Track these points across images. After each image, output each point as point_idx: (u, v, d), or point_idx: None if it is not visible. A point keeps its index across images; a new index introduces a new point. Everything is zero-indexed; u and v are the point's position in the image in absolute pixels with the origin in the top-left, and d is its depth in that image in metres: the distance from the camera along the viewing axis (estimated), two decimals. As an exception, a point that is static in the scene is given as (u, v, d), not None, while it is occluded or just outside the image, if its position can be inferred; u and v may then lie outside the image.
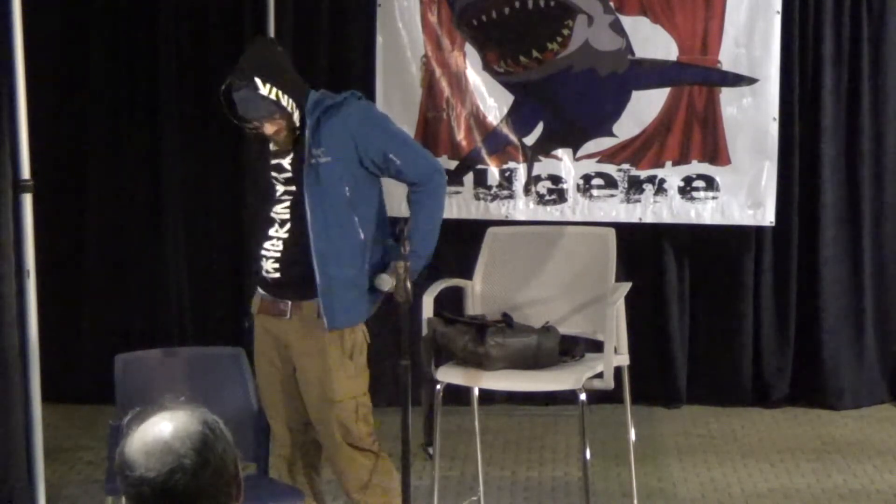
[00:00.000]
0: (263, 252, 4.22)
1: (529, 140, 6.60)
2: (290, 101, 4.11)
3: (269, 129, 4.13)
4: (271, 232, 4.20)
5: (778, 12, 6.45)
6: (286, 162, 4.20)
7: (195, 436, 2.02)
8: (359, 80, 6.55)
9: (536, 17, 6.55)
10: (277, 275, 4.19)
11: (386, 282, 4.11)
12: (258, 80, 4.06)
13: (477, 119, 6.60)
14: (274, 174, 4.22)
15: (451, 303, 5.08)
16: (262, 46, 4.33)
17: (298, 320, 4.21)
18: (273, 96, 4.07)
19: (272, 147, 4.22)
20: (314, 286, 4.13)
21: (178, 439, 2.01)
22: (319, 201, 4.12)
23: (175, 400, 2.09)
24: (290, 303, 4.21)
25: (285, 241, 4.17)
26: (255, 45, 4.35)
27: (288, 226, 4.18)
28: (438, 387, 4.65)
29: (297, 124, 4.16)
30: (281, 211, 4.19)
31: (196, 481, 1.99)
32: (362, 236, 4.17)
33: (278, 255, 4.18)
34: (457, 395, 5.22)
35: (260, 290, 4.34)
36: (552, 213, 6.55)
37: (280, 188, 4.21)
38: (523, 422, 6.47)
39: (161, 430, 2.03)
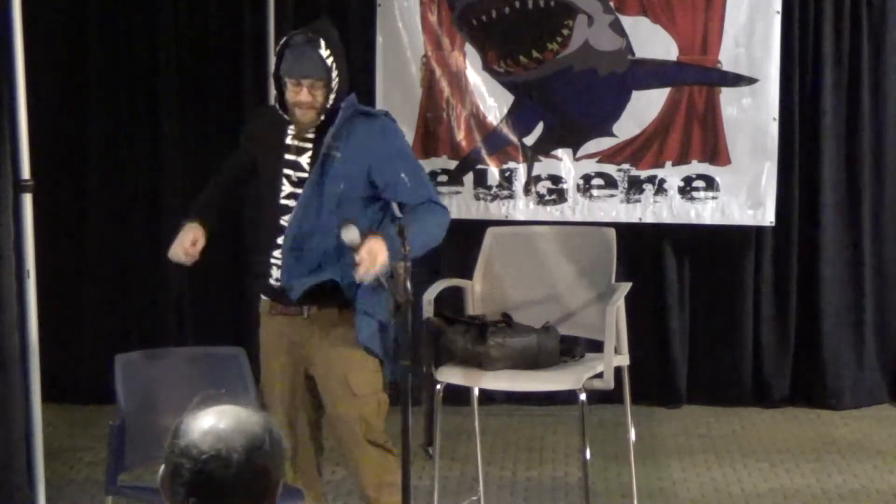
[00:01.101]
0: (273, 262, 4.17)
1: (529, 140, 6.60)
2: (338, 79, 4.11)
3: (306, 95, 4.08)
4: (280, 240, 4.15)
5: (778, 12, 6.46)
6: (304, 160, 4.16)
7: (252, 437, 2.03)
8: (359, 80, 6.54)
9: (536, 17, 6.56)
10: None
11: (350, 231, 3.98)
12: (322, 41, 4.09)
13: (477, 119, 6.60)
14: (287, 171, 4.15)
15: (451, 303, 5.08)
16: (332, 26, 4.31)
17: (318, 318, 4.19)
18: (329, 62, 4.08)
19: (289, 141, 4.17)
20: (330, 292, 4.12)
21: (237, 433, 2.02)
22: (319, 194, 4.10)
23: (254, 403, 2.11)
24: (305, 306, 4.18)
25: None
26: (324, 20, 4.37)
27: None
28: (438, 387, 4.65)
29: (329, 108, 4.12)
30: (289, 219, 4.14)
31: (233, 477, 2.00)
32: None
33: None
34: (457, 395, 5.22)
35: (265, 296, 4.28)
36: (552, 213, 6.56)
37: (287, 189, 4.15)
38: (523, 422, 6.47)
39: (226, 418, 2.04)
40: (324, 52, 4.10)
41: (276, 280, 4.18)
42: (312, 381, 4.28)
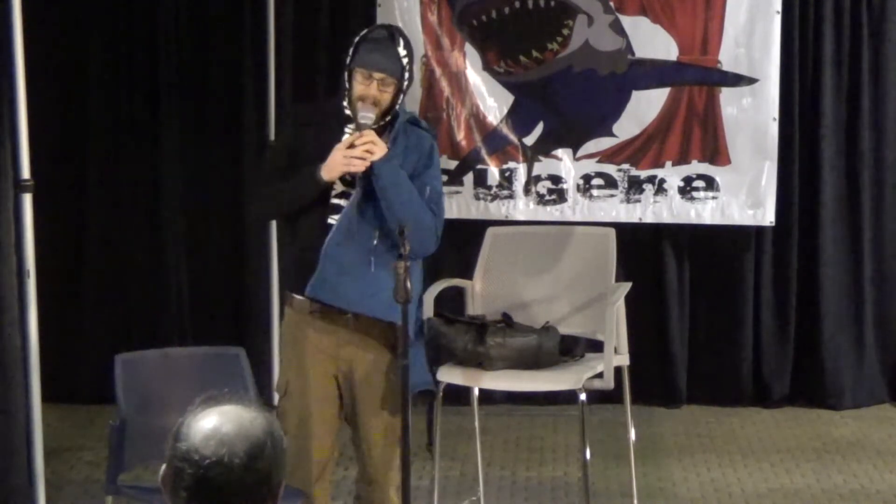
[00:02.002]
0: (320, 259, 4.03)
1: (529, 140, 6.60)
2: (406, 79, 4.05)
3: (375, 89, 3.98)
4: (329, 238, 4.03)
5: (778, 12, 6.46)
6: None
7: (254, 441, 2.02)
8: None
9: (536, 17, 6.56)
10: None
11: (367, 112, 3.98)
12: (402, 39, 4.03)
13: (477, 119, 6.60)
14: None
15: (451, 303, 5.08)
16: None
17: (362, 322, 4.11)
18: (405, 61, 4.01)
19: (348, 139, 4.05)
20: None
21: (238, 437, 2.01)
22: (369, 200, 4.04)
23: (254, 401, 2.09)
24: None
25: None
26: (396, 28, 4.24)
27: None
28: (438, 387, 4.65)
29: (392, 110, 4.06)
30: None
31: (235, 483, 1.99)
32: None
33: None
34: (457, 395, 5.22)
35: (300, 296, 4.12)
36: (552, 213, 6.56)
37: (339, 187, 4.04)
38: (523, 422, 6.47)
39: (228, 421, 2.03)
40: (402, 51, 4.03)
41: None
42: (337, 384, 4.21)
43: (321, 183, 4.01)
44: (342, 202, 4.06)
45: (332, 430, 4.21)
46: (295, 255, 4.16)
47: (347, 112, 4.09)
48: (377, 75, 4.02)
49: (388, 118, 4.09)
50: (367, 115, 4.01)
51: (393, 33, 4.08)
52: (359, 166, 3.97)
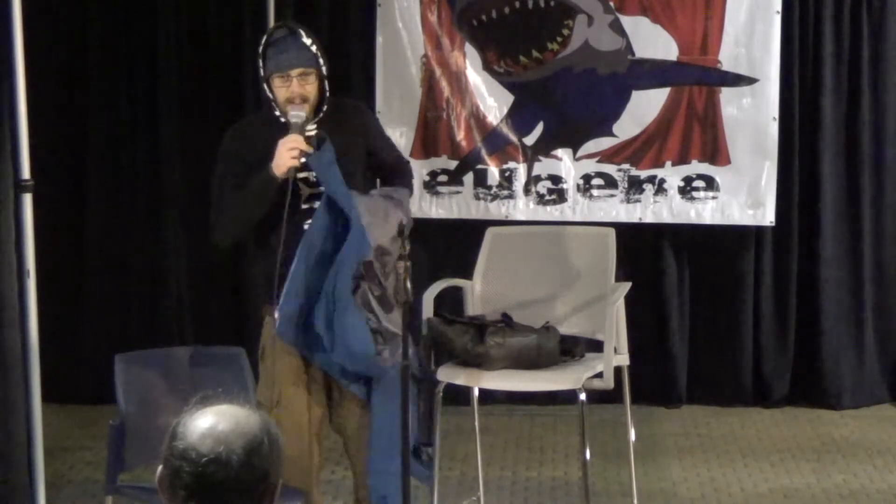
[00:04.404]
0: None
1: (529, 140, 6.60)
2: (324, 67, 4.08)
3: (297, 86, 4.02)
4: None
5: (778, 12, 6.46)
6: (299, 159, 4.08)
7: (251, 439, 2.02)
8: (359, 79, 6.56)
9: (536, 17, 6.55)
10: None
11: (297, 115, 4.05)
12: (302, 31, 4.05)
13: (477, 119, 6.60)
14: (301, 175, 4.09)
15: (451, 303, 5.08)
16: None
17: None
18: (314, 49, 4.04)
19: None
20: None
21: (235, 435, 2.02)
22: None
23: (250, 400, 2.10)
24: None
25: None
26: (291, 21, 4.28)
27: None
28: (438, 387, 4.65)
29: (323, 100, 4.11)
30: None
31: (233, 480, 2.00)
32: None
33: None
34: (457, 395, 5.22)
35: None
36: (552, 213, 6.55)
37: (307, 191, 4.10)
38: (523, 422, 6.47)
39: (224, 419, 2.03)
40: (307, 41, 4.05)
41: None
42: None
43: (275, 179, 4.03)
44: (314, 205, 4.10)
45: (320, 435, 4.26)
46: (268, 267, 4.15)
47: (283, 119, 4.10)
48: (294, 72, 4.05)
49: (323, 108, 4.12)
50: (298, 115, 4.05)
51: (293, 28, 4.09)
52: (295, 162, 4.01)
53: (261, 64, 4.12)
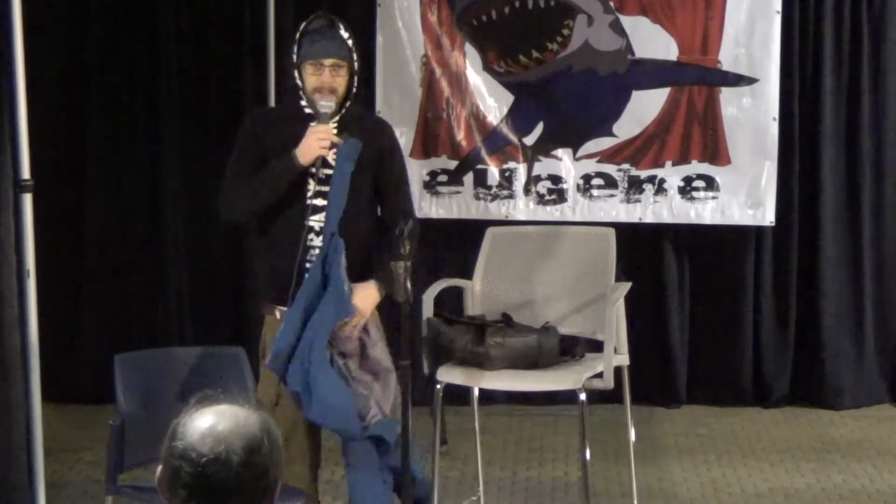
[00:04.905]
0: (306, 265, 4.09)
1: (529, 140, 6.60)
2: (356, 63, 4.07)
3: (328, 76, 4.00)
4: (316, 241, 4.09)
5: (778, 12, 6.46)
6: (331, 155, 4.10)
7: (251, 438, 2.02)
8: (359, 79, 6.54)
9: (536, 17, 6.55)
10: None
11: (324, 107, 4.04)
12: (341, 24, 4.04)
13: (477, 119, 6.60)
14: (312, 169, 4.08)
15: (451, 303, 5.08)
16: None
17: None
18: (350, 43, 4.03)
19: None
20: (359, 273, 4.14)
21: (235, 435, 2.02)
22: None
23: (250, 400, 2.10)
24: None
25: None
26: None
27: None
28: (438, 387, 4.66)
29: (349, 96, 4.11)
30: (320, 218, 4.09)
31: (233, 480, 1.99)
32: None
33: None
34: (457, 395, 5.22)
35: (283, 306, 4.16)
36: (552, 213, 6.56)
37: (313, 187, 4.09)
38: (523, 422, 6.47)
39: (224, 419, 2.03)
40: (344, 34, 4.05)
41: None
42: None
43: (298, 166, 4.03)
44: (319, 202, 4.08)
45: (319, 435, 4.27)
46: (272, 263, 4.16)
47: (308, 110, 4.10)
48: (327, 62, 4.04)
49: (347, 104, 4.12)
50: (328, 105, 4.04)
51: (332, 20, 4.08)
52: (325, 151, 4.02)
53: (295, 49, 4.10)
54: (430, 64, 6.58)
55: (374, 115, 4.26)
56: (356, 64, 4.10)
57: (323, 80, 4.04)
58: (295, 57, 4.11)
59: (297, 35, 4.11)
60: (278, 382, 4.18)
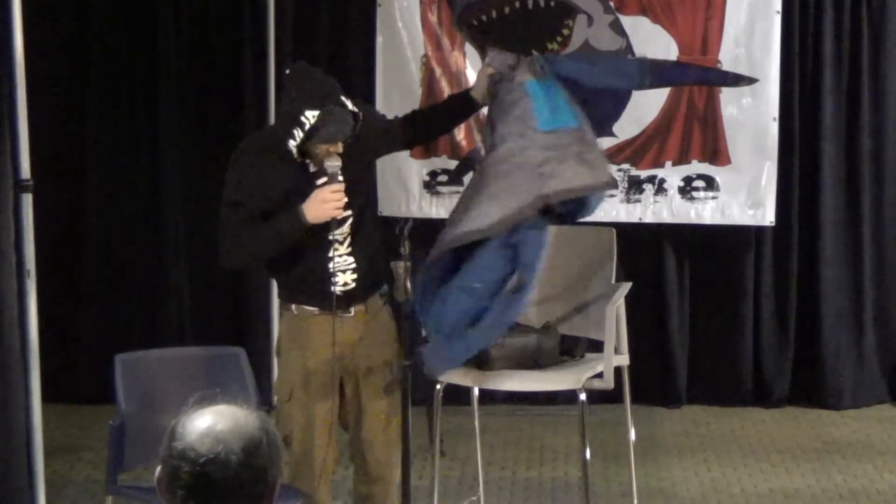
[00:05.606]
0: (335, 275, 4.07)
1: (529, 140, 6.59)
2: (359, 117, 4.06)
3: (340, 147, 4.02)
4: (342, 249, 4.09)
5: (778, 12, 6.46)
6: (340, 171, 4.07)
7: (250, 438, 2.03)
8: (359, 80, 6.55)
9: (536, 16, 6.54)
10: (354, 285, 4.10)
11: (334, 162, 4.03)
12: (343, 97, 3.98)
13: (477, 119, 6.59)
14: (323, 181, 4.04)
15: (451, 303, 5.07)
16: (311, 70, 4.11)
17: (366, 313, 4.16)
18: (350, 106, 3.99)
19: (315, 168, 4.05)
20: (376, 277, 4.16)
21: (234, 434, 2.02)
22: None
23: (250, 400, 2.10)
24: (360, 305, 4.15)
25: (354, 250, 4.10)
26: (310, 70, 4.10)
27: (349, 237, 4.09)
28: (438, 387, 4.65)
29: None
30: (343, 231, 4.07)
31: (232, 479, 2.00)
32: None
33: (353, 266, 4.09)
34: (457, 395, 5.22)
35: (310, 307, 4.13)
36: (552, 213, 6.54)
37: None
38: (523, 422, 6.47)
39: (223, 419, 2.04)
40: (345, 101, 3.98)
41: (346, 284, 4.08)
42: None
43: (307, 225, 4.00)
44: (344, 213, 4.06)
45: (332, 431, 4.21)
46: (302, 271, 4.12)
47: (307, 162, 4.04)
48: (337, 141, 4.00)
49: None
50: (335, 165, 4.01)
51: (335, 86, 4.00)
52: (340, 213, 4.02)
53: (305, 130, 3.94)
54: (430, 64, 6.58)
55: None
56: (360, 116, 4.06)
57: (339, 149, 4.02)
58: (304, 137, 3.94)
59: (315, 120, 3.92)
60: (294, 377, 4.15)
